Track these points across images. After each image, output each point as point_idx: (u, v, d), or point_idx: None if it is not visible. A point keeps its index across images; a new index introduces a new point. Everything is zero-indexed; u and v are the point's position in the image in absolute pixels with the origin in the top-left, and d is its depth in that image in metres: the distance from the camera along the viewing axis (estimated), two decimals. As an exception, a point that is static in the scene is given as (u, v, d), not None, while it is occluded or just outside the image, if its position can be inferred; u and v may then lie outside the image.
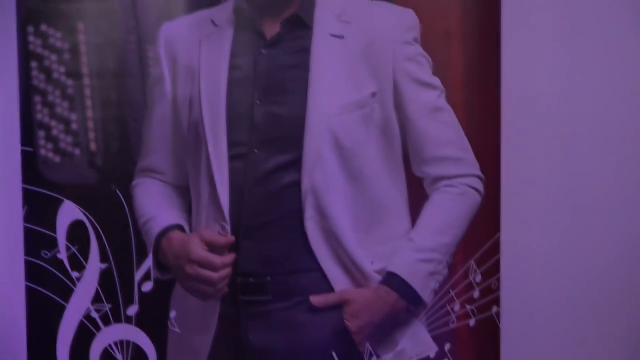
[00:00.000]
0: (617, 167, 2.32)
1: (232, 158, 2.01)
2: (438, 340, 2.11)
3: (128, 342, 2.05)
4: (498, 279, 2.12)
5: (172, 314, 2.04)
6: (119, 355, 2.05)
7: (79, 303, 2.03)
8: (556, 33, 2.28)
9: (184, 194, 2.06)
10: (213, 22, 2.04)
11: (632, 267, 2.35)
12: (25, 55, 2.06)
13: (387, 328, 2.09)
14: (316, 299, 2.06)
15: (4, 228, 2.11)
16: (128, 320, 2.04)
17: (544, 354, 2.34)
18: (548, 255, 2.29)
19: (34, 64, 2.03)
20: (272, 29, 2.02)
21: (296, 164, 2.01)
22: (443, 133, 2.08)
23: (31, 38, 2.05)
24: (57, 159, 2.03)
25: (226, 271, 2.02)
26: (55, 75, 2.03)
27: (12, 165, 2.05)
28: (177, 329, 2.05)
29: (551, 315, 2.31)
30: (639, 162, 2.34)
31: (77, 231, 2.03)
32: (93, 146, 2.04)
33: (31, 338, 2.05)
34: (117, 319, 2.04)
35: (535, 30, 2.25)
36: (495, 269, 2.12)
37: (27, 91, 2.02)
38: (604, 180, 2.32)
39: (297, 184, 2.01)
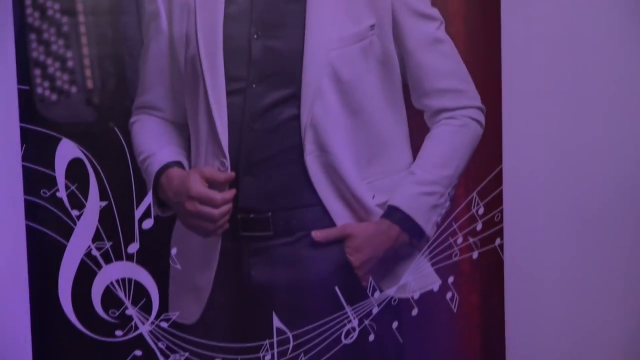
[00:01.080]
0: (617, 98, 2.32)
1: (230, 93, 2.02)
2: (441, 273, 2.14)
3: (130, 279, 2.06)
4: (501, 212, 2.14)
5: (173, 251, 2.05)
6: (120, 293, 2.06)
7: (80, 241, 2.04)
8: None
9: (183, 131, 2.07)
10: None
11: (634, 196, 2.36)
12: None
13: (389, 262, 2.12)
14: (318, 234, 2.08)
15: (3, 167, 2.12)
16: (129, 257, 2.06)
17: (549, 285, 2.36)
18: (550, 187, 2.30)
19: (27, 1, 2.03)
20: None
21: (295, 98, 2.02)
22: (443, 65, 2.08)
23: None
24: (53, 97, 2.03)
25: (226, 207, 2.04)
26: (49, 12, 2.02)
27: (9, 104, 2.05)
28: (178, 266, 2.06)
29: (555, 247, 2.33)
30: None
31: (76, 169, 2.04)
32: (90, 84, 2.04)
33: (32, 278, 2.07)
34: (118, 257, 2.05)
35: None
36: (498, 201, 2.13)
37: (22, 29, 2.01)
38: (606, 110, 2.32)
39: (296, 119, 2.03)
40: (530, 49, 2.23)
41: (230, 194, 2.04)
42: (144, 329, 2.07)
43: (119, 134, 2.04)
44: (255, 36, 2.00)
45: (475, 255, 2.14)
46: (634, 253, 2.41)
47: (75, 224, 2.05)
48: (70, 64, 2.03)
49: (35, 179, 2.03)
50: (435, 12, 2.06)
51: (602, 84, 2.30)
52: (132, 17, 2.05)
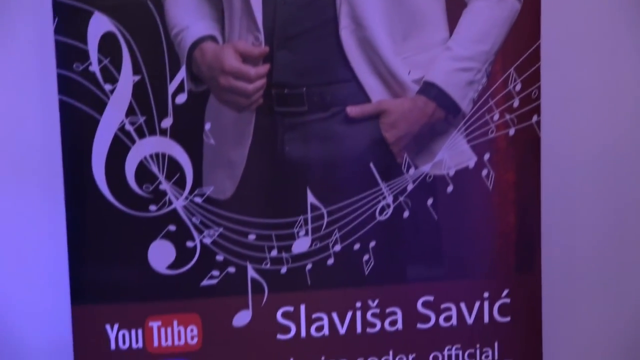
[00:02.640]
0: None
1: None
2: (477, 150, 2.17)
3: (163, 154, 2.08)
4: (538, 88, 2.15)
5: (207, 126, 2.07)
6: (154, 168, 2.09)
7: (113, 116, 2.06)
8: None
9: (217, 4, 2.07)
10: None
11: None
12: None
13: (425, 139, 2.15)
14: (353, 110, 2.10)
15: (35, 41, 2.14)
16: (163, 132, 2.07)
17: (585, 160, 2.40)
18: (590, 62, 2.32)
19: None
20: None
21: None
22: None
23: None
24: None
25: (261, 82, 2.06)
26: None
27: None
28: (212, 141, 2.08)
29: (592, 122, 2.36)
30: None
31: (108, 43, 2.04)
32: None
33: (66, 153, 2.09)
34: (152, 132, 2.07)
35: None
36: (535, 77, 2.15)
37: None
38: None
39: None
40: None
41: (264, 68, 2.06)
42: (178, 204, 2.10)
43: (152, 7, 2.05)
44: None
45: (511, 132, 2.16)
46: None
47: (108, 98, 2.06)
48: None
49: (68, 53, 2.04)
50: None
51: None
52: None
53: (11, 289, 2.34)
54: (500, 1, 2.11)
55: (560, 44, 2.25)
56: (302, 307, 2.20)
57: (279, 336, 2.20)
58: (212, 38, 2.07)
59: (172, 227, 2.12)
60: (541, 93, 2.16)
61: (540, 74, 2.16)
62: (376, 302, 2.21)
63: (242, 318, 2.19)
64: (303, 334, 2.20)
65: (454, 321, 2.24)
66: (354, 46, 2.08)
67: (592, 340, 2.59)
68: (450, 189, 2.17)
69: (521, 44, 2.15)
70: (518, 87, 2.15)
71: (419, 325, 2.23)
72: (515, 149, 2.18)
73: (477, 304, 2.24)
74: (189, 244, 2.13)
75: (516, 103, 2.15)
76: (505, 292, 2.25)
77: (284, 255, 2.17)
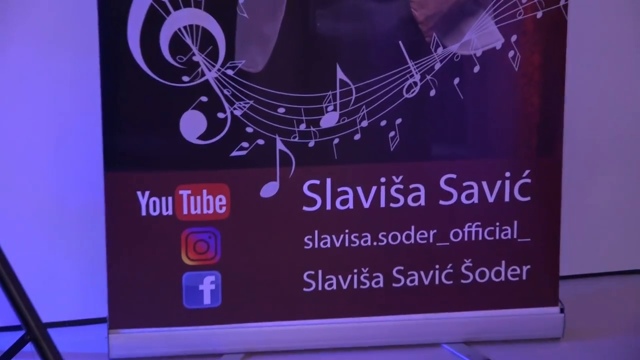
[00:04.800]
0: None
1: None
2: (505, 31, 2.22)
3: (197, 26, 2.13)
4: None
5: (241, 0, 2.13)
6: (188, 40, 2.14)
7: None
8: None
9: None
10: None
11: None
12: None
13: (454, 18, 2.20)
14: None
15: None
16: (197, 4, 2.12)
17: (609, 48, 2.48)
18: None
19: None
20: None
21: None
22: None
23: None
24: None
25: None
26: None
27: None
28: (245, 15, 2.14)
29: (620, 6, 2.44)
30: None
31: None
32: None
33: (102, 22, 2.13)
34: (187, 4, 2.11)
35: None
36: None
37: None
38: None
39: None
40: None
41: None
42: (210, 75, 2.16)
43: None
44: None
45: (539, 14, 2.20)
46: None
47: None
48: None
49: None
50: None
51: None
52: None
53: (47, 154, 2.42)
54: None
55: None
56: (328, 181, 2.26)
57: (305, 208, 2.27)
58: None
59: (203, 98, 2.18)
60: None
61: None
62: (400, 178, 2.27)
63: (269, 189, 2.25)
64: (328, 206, 2.27)
65: (475, 199, 2.30)
66: None
67: (609, 221, 2.67)
68: (477, 69, 2.23)
69: None
70: None
71: (441, 202, 2.30)
72: (542, 31, 2.23)
73: (498, 183, 2.30)
74: (220, 115, 2.19)
75: None
76: (526, 173, 2.30)
77: (312, 129, 2.22)
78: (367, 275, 2.31)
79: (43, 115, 2.37)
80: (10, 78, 2.32)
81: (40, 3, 2.29)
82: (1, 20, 2.29)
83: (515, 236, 2.33)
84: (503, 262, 2.33)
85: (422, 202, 2.29)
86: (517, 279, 2.34)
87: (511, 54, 2.22)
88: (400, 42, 2.20)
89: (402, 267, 2.32)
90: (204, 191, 2.24)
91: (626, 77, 2.62)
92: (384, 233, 2.30)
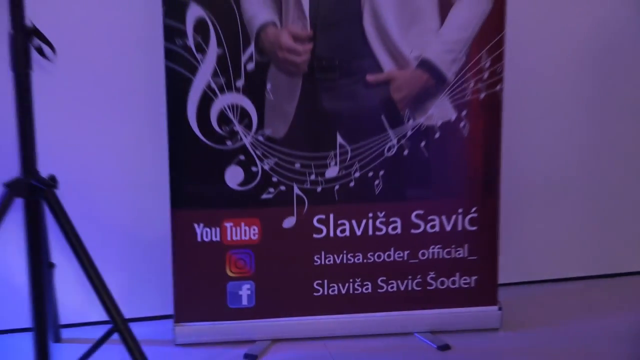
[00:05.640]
0: None
1: None
2: (457, 108, 2.29)
3: (237, 105, 2.20)
4: (502, 65, 2.30)
5: (268, 86, 2.20)
6: (230, 115, 2.21)
7: (203, 77, 2.17)
8: None
9: (278, 0, 2.20)
10: None
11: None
12: None
13: (421, 99, 2.29)
14: (370, 77, 2.27)
15: (149, 23, 2.25)
16: (237, 90, 2.20)
17: (536, 121, 2.61)
18: (543, 49, 2.52)
19: None
20: None
21: None
22: None
23: None
24: None
25: (306, 56, 2.22)
26: None
27: None
28: (271, 97, 2.22)
29: (547, 95, 2.57)
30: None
31: (200, 26, 2.14)
32: None
33: (169, 103, 2.21)
34: (229, 89, 2.19)
35: None
36: (500, 57, 2.29)
37: None
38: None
39: None
40: None
41: (309, 46, 2.22)
42: (247, 140, 2.24)
43: (232, 0, 2.18)
44: None
45: (482, 96, 2.29)
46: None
47: (199, 64, 2.17)
48: None
49: (173, 32, 2.15)
50: None
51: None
52: None
53: (130, 198, 2.48)
54: (476, 2, 2.27)
55: (519, 34, 2.38)
56: (331, 216, 2.32)
57: (315, 235, 2.34)
58: (273, 24, 2.22)
59: (242, 157, 2.24)
60: (504, 69, 2.31)
61: (504, 55, 2.30)
62: (383, 213, 2.33)
63: (289, 222, 2.32)
64: (332, 234, 2.34)
65: (437, 228, 2.37)
66: (372, 32, 2.23)
67: (540, 240, 2.72)
68: (437, 135, 2.29)
69: (490, 33, 2.28)
70: (487, 64, 2.29)
71: (412, 231, 2.36)
72: (484, 107, 2.30)
73: (453, 217, 2.36)
74: (254, 168, 2.26)
75: (485, 75, 2.27)
76: (473, 209, 2.37)
77: (319, 178, 2.29)
78: (360, 283, 2.38)
79: (127, 164, 2.41)
80: (95, 133, 2.34)
81: (123, 90, 2.35)
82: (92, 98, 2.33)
83: (466, 255, 2.41)
84: (457, 274, 2.42)
85: (398, 230, 2.36)
86: (467, 285, 2.42)
87: (462, 124, 2.30)
88: (382, 116, 2.27)
89: (384, 277, 2.39)
90: (242, 223, 2.31)
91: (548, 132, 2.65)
92: (371, 253, 2.37)
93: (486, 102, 2.29)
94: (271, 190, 2.27)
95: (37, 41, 1.75)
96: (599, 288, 2.68)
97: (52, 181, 1.81)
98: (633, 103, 2.67)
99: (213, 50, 2.17)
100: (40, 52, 1.76)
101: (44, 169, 1.86)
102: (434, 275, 2.39)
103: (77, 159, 2.34)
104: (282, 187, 2.27)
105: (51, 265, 1.94)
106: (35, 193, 1.79)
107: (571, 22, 2.56)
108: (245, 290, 2.33)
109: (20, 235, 1.83)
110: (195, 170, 2.25)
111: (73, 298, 2.32)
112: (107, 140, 2.35)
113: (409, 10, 2.21)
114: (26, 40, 1.70)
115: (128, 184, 2.40)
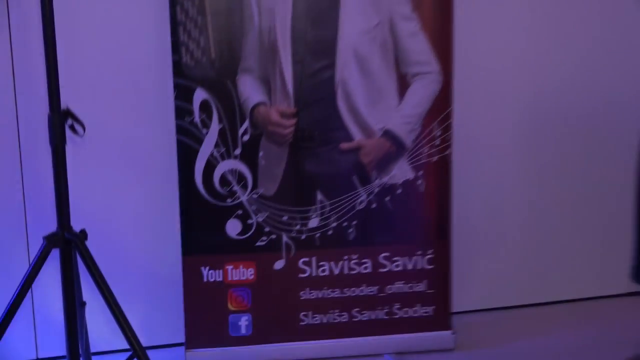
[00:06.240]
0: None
1: (294, 63, 2.31)
2: (415, 169, 2.37)
3: (235, 169, 2.29)
4: (451, 133, 2.37)
5: (260, 153, 2.28)
6: (230, 177, 2.28)
7: (207, 147, 2.27)
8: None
9: (266, 83, 2.26)
10: None
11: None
12: (174, 3, 2.26)
13: (385, 162, 2.37)
14: (344, 145, 2.36)
15: (163, 104, 2.32)
16: (235, 157, 2.28)
17: (481, 177, 2.69)
18: (486, 118, 2.62)
19: (178, 7, 2.26)
20: None
21: (332, 66, 2.30)
22: (418, 48, 2.36)
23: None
24: (192, 63, 2.22)
25: (291, 129, 2.31)
26: (190, 13, 2.25)
27: (166, 67, 2.24)
28: (263, 162, 2.30)
29: (490, 156, 2.67)
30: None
31: (205, 106, 2.24)
32: (213, 55, 2.22)
33: (180, 168, 2.27)
34: (229, 157, 2.28)
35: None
36: (449, 127, 2.38)
37: (174, 24, 2.20)
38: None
39: (332, 78, 2.31)
40: (477, 40, 2.51)
41: (293, 121, 2.30)
42: (244, 198, 2.31)
43: (230, 85, 2.25)
44: (309, 29, 2.29)
45: (435, 159, 2.37)
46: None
47: (204, 137, 2.26)
48: (202, 43, 2.25)
49: (182, 111, 2.24)
50: (414, 16, 2.33)
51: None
52: (238, 16, 2.28)
53: (148, 246, 2.52)
54: (429, 82, 2.38)
55: (462, 109, 2.49)
56: (314, 259, 2.38)
57: (300, 275, 2.40)
58: (264, 103, 2.33)
59: (239, 212, 2.31)
60: (452, 136, 2.37)
61: (452, 125, 2.40)
62: (356, 256, 2.40)
63: (279, 264, 2.38)
64: (314, 274, 2.40)
65: (400, 267, 2.44)
66: (345, 109, 2.33)
67: (484, 278, 2.78)
68: (399, 191, 2.37)
69: (441, 107, 2.36)
70: (439, 133, 2.39)
71: (380, 270, 2.42)
72: (437, 167, 2.37)
73: (414, 258, 2.43)
74: (249, 221, 2.32)
75: (437, 142, 2.36)
76: (430, 251, 2.43)
77: (303, 228, 2.35)
78: (338, 313, 2.42)
79: (145, 219, 2.44)
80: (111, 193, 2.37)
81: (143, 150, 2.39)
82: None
83: (425, 289, 2.46)
84: (418, 305, 2.47)
85: (369, 270, 2.42)
86: (426, 314, 2.46)
87: (419, 182, 2.37)
88: (354, 177, 2.35)
89: (358, 309, 2.43)
90: (241, 266, 2.36)
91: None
92: (347, 289, 2.42)
93: (438, 163, 2.36)
94: (264, 238, 2.33)
95: (70, 120, 1.87)
96: (540, 314, 2.72)
97: (83, 234, 1.86)
98: (562, 165, 2.76)
99: (215, 126, 2.26)
100: (73, 129, 1.86)
101: (77, 223, 1.89)
102: (399, 306, 2.44)
103: (105, 214, 2.37)
104: (273, 236, 2.34)
105: (83, 304, 1.99)
106: (69, 244, 1.84)
107: (510, 95, 2.66)
108: (244, 321, 2.36)
109: (57, 278, 1.90)
110: (201, 223, 2.30)
111: (101, 329, 2.33)
112: (129, 198, 2.40)
113: (374, 91, 2.30)
114: (62, 120, 1.80)
115: (146, 234, 2.44)
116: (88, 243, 1.85)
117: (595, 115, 2.71)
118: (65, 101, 1.82)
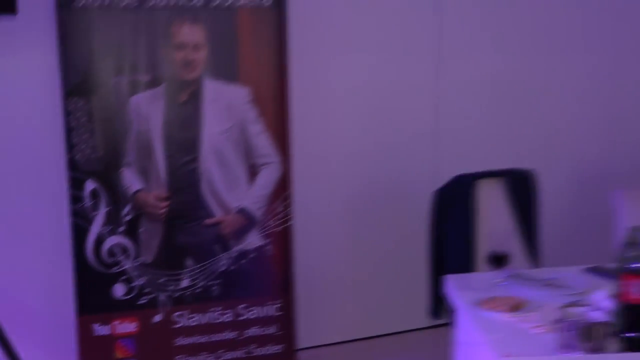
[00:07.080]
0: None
1: (166, 157, 2.79)
2: (264, 237, 2.87)
3: (120, 243, 2.72)
4: (291, 209, 2.89)
5: (141, 229, 2.74)
6: (116, 250, 2.73)
7: (96, 226, 2.73)
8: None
9: (146, 174, 2.74)
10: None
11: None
12: (67, 113, 2.71)
13: (241, 233, 2.87)
14: (208, 221, 2.83)
15: (58, 194, 2.74)
16: (119, 234, 2.71)
17: (319, 240, 3.16)
18: (321, 197, 3.10)
19: (71, 117, 2.71)
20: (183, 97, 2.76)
21: (197, 159, 2.77)
22: (263, 144, 2.89)
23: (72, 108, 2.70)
24: (83, 159, 2.66)
25: (165, 209, 2.79)
26: (81, 120, 2.71)
27: (60, 165, 2.67)
28: (143, 237, 2.77)
29: (324, 224, 3.15)
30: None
31: (94, 193, 2.68)
32: (101, 152, 2.68)
33: (74, 242, 2.67)
34: (115, 233, 2.72)
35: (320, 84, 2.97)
36: (289, 204, 2.89)
37: (68, 129, 2.66)
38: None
39: (197, 169, 2.78)
40: (310, 136, 3.00)
41: (166, 203, 2.79)
42: (127, 266, 2.77)
43: (115, 176, 2.71)
44: (177, 131, 2.79)
45: (280, 228, 2.87)
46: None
47: (94, 218, 2.68)
48: (91, 143, 2.69)
49: (75, 197, 2.67)
50: (259, 120, 2.86)
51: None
52: (120, 121, 2.73)
53: (46, 308, 2.86)
54: (272, 170, 2.90)
55: (300, 188, 3.01)
56: (186, 312, 2.83)
57: (175, 326, 2.84)
58: (143, 189, 2.80)
59: (124, 277, 2.75)
60: (293, 210, 2.93)
61: (291, 202, 2.93)
62: (220, 308, 2.87)
63: (157, 318, 2.82)
64: (186, 324, 2.86)
65: (256, 315, 2.93)
66: (208, 194, 2.82)
67: (326, 319, 3.20)
68: (252, 255, 2.85)
69: (282, 188, 2.86)
70: (282, 209, 2.91)
71: (240, 318, 2.90)
72: (281, 236, 2.87)
73: (265, 307, 2.91)
74: (133, 284, 2.78)
75: (281, 216, 2.87)
76: (279, 301, 2.91)
77: (177, 288, 2.83)
78: (206, 354, 2.87)
79: (44, 288, 2.82)
80: None
81: None
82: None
83: (275, 331, 2.92)
84: (270, 344, 2.93)
85: (230, 318, 2.86)
86: (278, 351, 2.91)
87: (268, 247, 2.86)
88: (216, 245, 2.82)
89: (223, 350, 2.90)
90: (126, 321, 2.75)
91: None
92: (214, 334, 2.89)
93: (283, 232, 2.85)
94: (145, 297, 2.74)
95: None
96: (378, 345, 3.15)
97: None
98: (377, 226, 3.28)
99: (103, 209, 2.69)
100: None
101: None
102: (255, 346, 2.88)
103: (9, 290, 2.77)
104: (152, 295, 2.75)
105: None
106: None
107: (341, 177, 3.16)
108: (130, 365, 2.74)
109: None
110: (92, 287, 2.69)
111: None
112: (25, 273, 2.81)
113: (230, 178, 2.81)
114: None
115: (44, 299, 2.86)
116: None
117: (394, 193, 3.30)
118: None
